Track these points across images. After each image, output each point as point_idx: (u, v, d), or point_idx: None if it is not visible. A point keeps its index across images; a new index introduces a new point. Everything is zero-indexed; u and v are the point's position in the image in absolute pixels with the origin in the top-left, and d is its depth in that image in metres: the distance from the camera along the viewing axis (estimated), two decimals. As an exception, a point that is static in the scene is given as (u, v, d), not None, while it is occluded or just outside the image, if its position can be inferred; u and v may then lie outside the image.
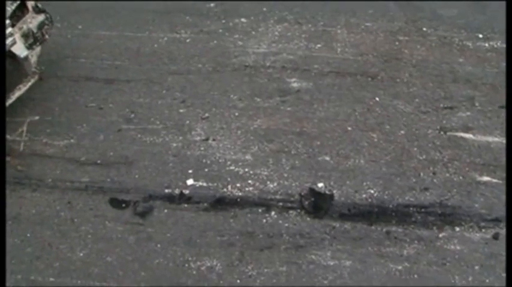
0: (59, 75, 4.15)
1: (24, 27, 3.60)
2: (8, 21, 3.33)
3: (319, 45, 4.43)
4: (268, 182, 3.20)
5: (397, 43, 4.45)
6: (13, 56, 3.45)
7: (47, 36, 3.85)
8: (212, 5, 5.05)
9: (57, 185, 3.25)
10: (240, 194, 3.12)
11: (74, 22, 4.82)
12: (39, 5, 3.80)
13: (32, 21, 3.69)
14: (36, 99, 3.89)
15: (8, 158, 3.43)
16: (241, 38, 4.53)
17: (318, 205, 3.09)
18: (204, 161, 3.34)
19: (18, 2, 3.54)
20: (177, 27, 4.71)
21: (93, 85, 4.03)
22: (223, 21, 4.79)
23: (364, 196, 3.14)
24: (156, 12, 4.94)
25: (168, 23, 4.77)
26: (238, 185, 3.17)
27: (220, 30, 4.64)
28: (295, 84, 3.97)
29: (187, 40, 4.54)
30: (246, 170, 3.27)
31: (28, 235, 2.97)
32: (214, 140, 3.49)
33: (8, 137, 3.56)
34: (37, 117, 3.77)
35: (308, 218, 3.02)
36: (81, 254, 2.85)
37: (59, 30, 4.68)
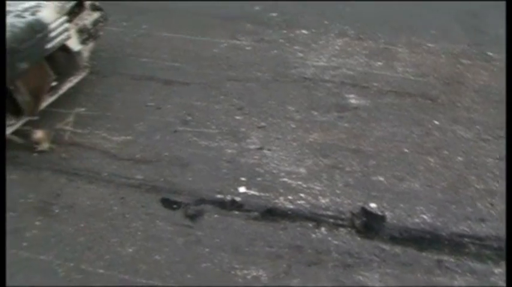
0: (122, 72, 4.26)
1: (80, 23, 3.73)
2: (65, 17, 3.47)
3: (379, 63, 4.38)
4: (320, 197, 3.17)
5: (459, 66, 4.35)
6: (67, 50, 3.59)
7: (100, 33, 3.98)
8: (274, 14, 5.08)
9: (113, 179, 3.32)
10: (291, 206, 3.11)
11: (139, 22, 4.96)
12: (96, 3, 3.93)
13: (88, 18, 3.82)
14: (99, 94, 4.01)
15: (53, 145, 3.56)
16: (301, 49, 4.53)
17: (369, 225, 3.04)
18: (257, 170, 3.34)
19: (77, 1, 3.67)
20: (238, 34, 4.75)
21: (153, 85, 4.11)
22: (284, 31, 4.81)
23: (416, 220, 3.06)
24: (218, 18, 5.01)
25: (229, 29, 4.82)
26: (290, 197, 3.16)
27: (281, 40, 4.66)
28: (353, 101, 3.93)
29: (247, 47, 4.58)
30: (299, 183, 3.25)
31: (82, 225, 3.04)
32: (269, 150, 3.49)
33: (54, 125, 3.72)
34: (84, 110, 3.88)
35: (358, 238, 2.97)
36: (130, 250, 2.89)
37: (125, 29, 4.83)
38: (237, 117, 3.77)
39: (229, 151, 3.49)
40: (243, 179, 3.28)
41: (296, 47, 4.56)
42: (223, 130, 3.66)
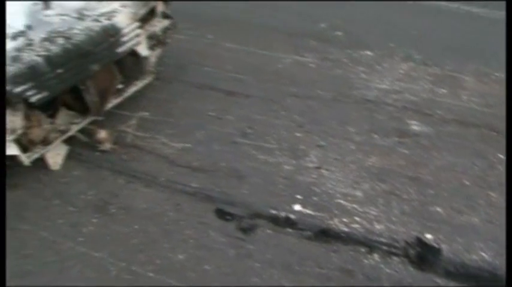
0: (185, 80, 4.34)
1: (150, 29, 3.82)
2: (137, 24, 3.56)
3: (444, 90, 4.29)
4: (375, 223, 3.11)
5: (529, 99, 4.20)
6: (136, 54, 3.67)
7: (168, 40, 4.05)
8: (339, 33, 5.07)
9: (169, 185, 3.37)
10: (345, 229, 3.06)
11: (205, 32, 5.05)
12: (167, 11, 4.01)
13: (158, 25, 3.91)
14: (162, 100, 4.09)
15: (114, 146, 3.65)
16: (364, 70, 4.49)
17: (423, 256, 2.96)
18: (313, 189, 3.32)
19: (150, 8, 3.76)
20: (302, 51, 4.77)
21: (215, 95, 4.16)
22: (349, 51, 4.78)
23: (474, 257, 2.96)
24: (283, 33, 5.04)
25: (293, 45, 4.84)
26: (344, 219, 3.12)
27: (345, 60, 4.64)
28: (415, 127, 3.86)
29: (311, 65, 4.58)
30: (355, 206, 3.20)
31: (136, 227, 3.09)
32: (326, 169, 3.46)
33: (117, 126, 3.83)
34: (148, 115, 3.96)
35: (411, 268, 2.89)
36: (181, 257, 2.92)
37: (191, 37, 4.93)
38: (297, 134, 3.76)
39: (287, 167, 3.48)
40: (298, 197, 3.26)
41: (360, 68, 4.53)
42: (282, 146, 3.66)
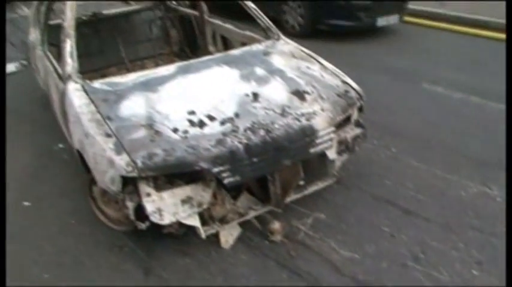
0: (363, 189, 4.33)
1: (342, 135, 3.91)
2: (333, 128, 3.71)
3: None
4: None
5: None
6: (323, 156, 3.76)
7: (356, 148, 4.09)
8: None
9: (331, 292, 3.31)
10: None
11: (389, 144, 5.05)
12: (361, 120, 4.10)
13: (350, 132, 3.99)
14: (338, 204, 4.11)
15: (284, 239, 3.71)
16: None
17: None
18: None
19: (347, 115, 3.89)
20: (489, 182, 4.48)
21: (391, 210, 4.07)
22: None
23: None
24: (471, 159, 4.82)
25: (480, 174, 4.58)
26: None
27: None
28: None
29: (498, 199, 4.27)
30: None
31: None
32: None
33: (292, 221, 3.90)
34: (323, 216, 3.98)
35: None
36: None
37: (375, 147, 4.97)
38: (473, 272, 3.46)
39: (457, 305, 3.21)
40: None
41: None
42: (455, 280, 3.38)
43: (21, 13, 9.55)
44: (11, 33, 8.77)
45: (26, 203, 4.34)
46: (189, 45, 6.59)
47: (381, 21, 8.64)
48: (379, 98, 5.86)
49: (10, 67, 7.72)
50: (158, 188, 3.26)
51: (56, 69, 4.46)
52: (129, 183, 3.20)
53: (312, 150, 3.59)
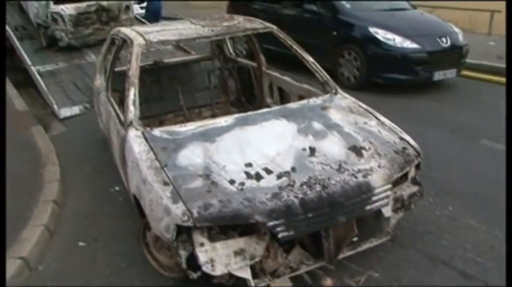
0: (418, 248, 4.19)
1: (398, 192, 3.84)
2: (390, 186, 3.63)
3: None
4: None
5: None
6: (379, 213, 3.68)
7: (412, 206, 3.98)
8: None
9: None
10: None
11: (446, 202, 4.90)
12: (417, 178, 4.02)
13: (407, 189, 3.91)
14: (391, 262, 4.00)
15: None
16: None
17: None
18: None
19: (404, 172, 3.81)
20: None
21: (448, 272, 3.91)
22: None
23: None
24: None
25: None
26: None
27: None
28: None
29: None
30: None
31: None
32: None
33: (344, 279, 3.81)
34: (376, 275, 3.87)
35: None
36: None
37: (431, 205, 4.84)
38: None
39: None
40: None
41: None
42: None
43: (89, 60, 10.05)
44: (78, 78, 9.26)
45: (81, 244, 4.46)
46: (245, 95, 6.71)
47: (438, 75, 8.49)
48: (435, 154, 5.72)
49: (74, 109, 8.11)
50: (212, 238, 3.28)
51: (117, 115, 4.64)
52: (183, 232, 3.24)
53: (368, 207, 3.53)
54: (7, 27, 11.22)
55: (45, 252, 4.33)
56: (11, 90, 9.49)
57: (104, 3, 10.77)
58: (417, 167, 4.00)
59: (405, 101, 8.21)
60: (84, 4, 10.59)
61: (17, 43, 10.86)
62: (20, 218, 4.54)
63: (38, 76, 9.20)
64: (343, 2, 9.31)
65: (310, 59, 4.89)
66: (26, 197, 4.96)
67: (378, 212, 3.70)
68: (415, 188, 3.98)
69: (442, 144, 6.40)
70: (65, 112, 8.04)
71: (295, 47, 4.99)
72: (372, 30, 8.52)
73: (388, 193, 3.63)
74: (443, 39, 8.52)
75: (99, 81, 5.95)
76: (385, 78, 8.54)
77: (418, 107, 7.96)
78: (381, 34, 8.43)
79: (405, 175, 3.91)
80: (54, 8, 10.33)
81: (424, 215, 4.66)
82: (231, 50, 6.94)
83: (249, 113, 4.33)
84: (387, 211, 3.73)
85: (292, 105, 4.51)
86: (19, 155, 6.11)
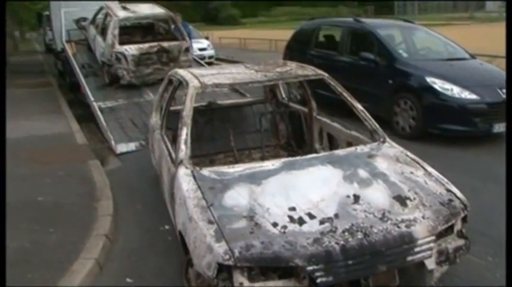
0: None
1: (443, 245, 3.76)
2: (434, 238, 3.59)
3: None
4: None
5: None
6: (422, 264, 3.59)
7: (457, 260, 3.88)
8: None
9: None
10: None
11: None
12: (464, 231, 3.92)
13: (452, 243, 3.82)
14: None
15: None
16: None
17: None
18: None
19: (449, 225, 3.75)
20: None
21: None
22: None
23: None
24: None
25: None
26: None
27: None
28: None
29: None
30: None
31: None
32: None
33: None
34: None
35: None
36: None
37: (488, 263, 4.59)
38: None
39: None
40: None
41: None
42: None
43: (147, 98, 10.47)
44: (136, 115, 9.64)
45: (129, 280, 4.57)
46: (296, 139, 6.80)
47: (498, 128, 8.04)
48: (493, 210, 5.50)
49: (131, 145, 8.43)
50: (252, 278, 3.33)
51: (169, 153, 4.83)
52: (224, 270, 3.31)
53: (410, 258, 3.50)
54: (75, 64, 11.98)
55: (94, 285, 4.47)
56: (73, 124, 10.03)
57: (165, 44, 11.27)
58: (464, 220, 3.92)
59: (461, 153, 7.82)
60: (146, 45, 11.15)
61: (83, 80, 11.57)
62: (72, 250, 4.74)
63: (98, 112, 9.70)
64: (400, 51, 9.35)
65: (359, 106, 4.96)
66: (80, 230, 5.18)
67: (421, 264, 3.64)
68: (461, 242, 3.89)
69: (499, 199, 6.13)
70: (122, 148, 8.39)
71: (345, 94, 5.08)
72: (429, 79, 8.31)
73: (432, 244, 3.58)
74: (504, 90, 8.11)
75: (155, 119, 6.22)
76: (441, 129, 8.24)
77: (472, 159, 7.53)
78: (438, 84, 8.22)
79: (451, 228, 3.84)
80: (119, 48, 10.90)
81: (482, 276, 4.44)
82: (284, 95, 7.10)
83: (297, 157, 4.42)
84: (430, 263, 3.66)
85: (340, 152, 4.57)
86: (76, 187, 6.41)
